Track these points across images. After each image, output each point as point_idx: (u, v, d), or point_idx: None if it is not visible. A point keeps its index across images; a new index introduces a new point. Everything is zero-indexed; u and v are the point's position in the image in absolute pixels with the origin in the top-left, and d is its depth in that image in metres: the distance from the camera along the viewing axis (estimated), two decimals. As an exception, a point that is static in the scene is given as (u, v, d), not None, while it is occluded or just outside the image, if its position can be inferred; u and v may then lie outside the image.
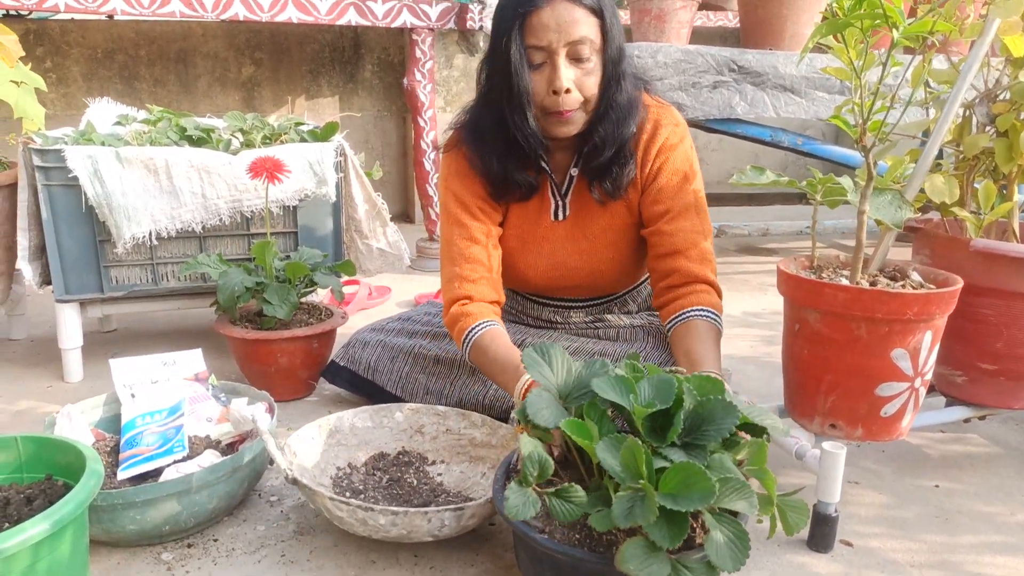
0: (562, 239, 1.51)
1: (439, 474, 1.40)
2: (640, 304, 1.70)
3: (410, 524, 1.12)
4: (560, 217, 1.50)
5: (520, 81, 1.29)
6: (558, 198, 1.49)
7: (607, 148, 1.37)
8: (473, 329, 1.37)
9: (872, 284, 1.24)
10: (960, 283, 1.23)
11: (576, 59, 1.29)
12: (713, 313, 1.37)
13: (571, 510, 0.96)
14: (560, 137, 1.37)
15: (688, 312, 1.37)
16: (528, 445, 1.00)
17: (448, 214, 1.48)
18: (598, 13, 1.29)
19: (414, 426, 1.46)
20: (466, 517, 1.14)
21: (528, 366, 1.08)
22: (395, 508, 1.11)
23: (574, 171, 1.46)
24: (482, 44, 3.63)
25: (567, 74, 1.28)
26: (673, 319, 1.39)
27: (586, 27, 1.27)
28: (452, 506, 1.12)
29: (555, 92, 1.29)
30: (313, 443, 1.37)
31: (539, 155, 1.41)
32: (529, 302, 1.67)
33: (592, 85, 1.31)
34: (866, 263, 1.29)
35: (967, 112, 1.41)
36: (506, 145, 1.39)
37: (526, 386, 1.24)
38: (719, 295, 1.41)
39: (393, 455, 1.42)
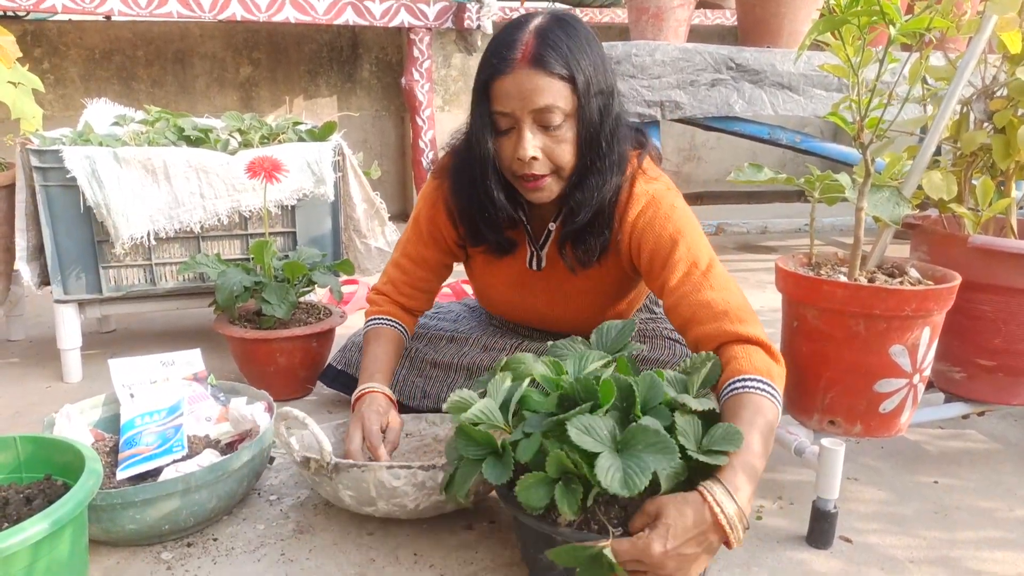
0: (538, 289, 1.47)
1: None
2: None
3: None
4: (535, 267, 1.44)
5: (482, 148, 1.24)
6: (534, 248, 1.43)
7: (582, 213, 1.28)
8: (373, 319, 1.49)
9: (870, 281, 1.24)
10: (958, 279, 1.23)
11: (544, 126, 1.20)
12: (752, 381, 1.09)
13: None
14: (535, 203, 1.31)
15: (724, 392, 1.12)
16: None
17: (409, 224, 1.52)
18: (569, 79, 1.18)
19: None
20: None
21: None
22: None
23: (552, 225, 1.39)
24: (480, 43, 3.63)
25: (532, 142, 1.20)
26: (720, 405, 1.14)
27: (552, 95, 1.17)
28: None
29: (519, 159, 1.22)
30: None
31: (518, 209, 1.36)
32: (518, 323, 1.66)
33: (564, 153, 1.22)
34: (864, 260, 1.29)
35: (964, 109, 1.41)
36: (481, 204, 1.33)
37: (356, 395, 1.35)
38: (761, 345, 1.15)
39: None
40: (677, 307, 1.24)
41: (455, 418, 1.07)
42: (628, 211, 1.31)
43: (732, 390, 1.10)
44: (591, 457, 0.93)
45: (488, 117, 1.23)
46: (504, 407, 1.07)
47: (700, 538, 0.94)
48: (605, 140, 1.25)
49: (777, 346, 1.19)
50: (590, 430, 0.95)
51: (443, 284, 1.57)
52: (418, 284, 1.51)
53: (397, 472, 1.13)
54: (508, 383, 1.09)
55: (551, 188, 1.26)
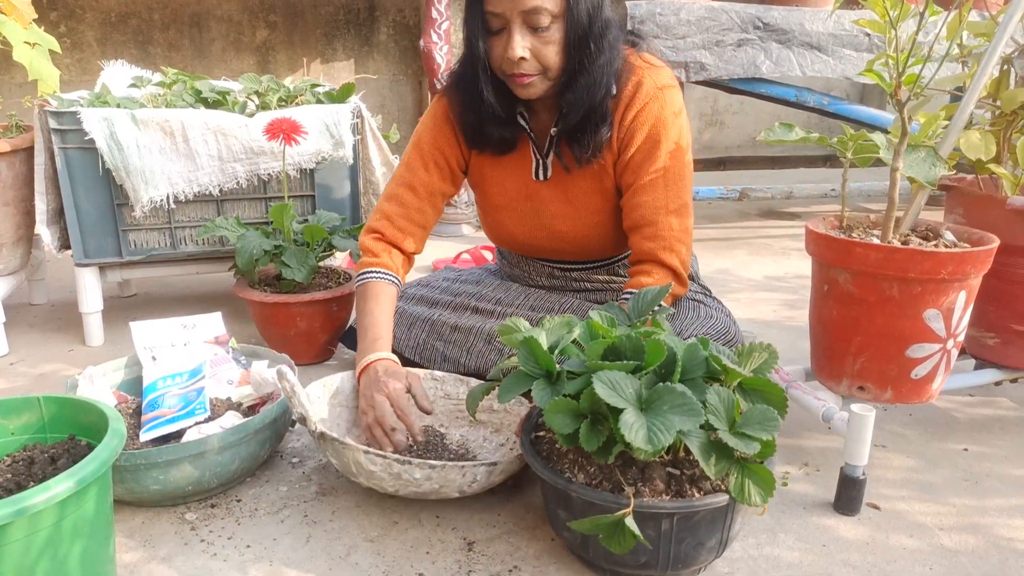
0: (546, 200, 1.50)
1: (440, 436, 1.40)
2: None
3: (444, 478, 1.12)
4: (541, 177, 1.48)
5: (476, 48, 1.31)
6: (539, 157, 1.47)
7: (573, 113, 1.35)
8: (371, 272, 1.45)
9: (904, 243, 1.21)
10: (996, 242, 1.19)
11: (533, 27, 1.26)
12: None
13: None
14: (524, 99, 1.36)
15: (622, 296, 1.38)
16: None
17: (407, 152, 1.52)
18: None
19: None
20: (496, 473, 1.16)
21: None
22: (432, 462, 1.11)
23: (554, 131, 1.43)
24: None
25: (521, 42, 1.27)
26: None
27: None
28: (487, 462, 1.13)
29: (509, 59, 1.29)
30: (319, 402, 1.35)
31: (517, 111, 1.40)
32: (529, 263, 1.65)
33: (551, 54, 1.28)
34: (898, 223, 1.26)
35: (1005, 66, 1.36)
36: (483, 99, 1.39)
37: (364, 365, 1.33)
38: (674, 273, 1.36)
39: None
40: (633, 211, 1.39)
41: (505, 339, 1.12)
42: (633, 103, 1.37)
43: (623, 297, 1.36)
44: (617, 413, 0.92)
45: (480, 17, 1.29)
46: (551, 349, 1.09)
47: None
48: (594, 42, 1.29)
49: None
50: (615, 385, 0.94)
51: (437, 219, 1.55)
52: (414, 217, 1.49)
53: (373, 458, 1.11)
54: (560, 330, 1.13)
55: (537, 87, 1.32)
